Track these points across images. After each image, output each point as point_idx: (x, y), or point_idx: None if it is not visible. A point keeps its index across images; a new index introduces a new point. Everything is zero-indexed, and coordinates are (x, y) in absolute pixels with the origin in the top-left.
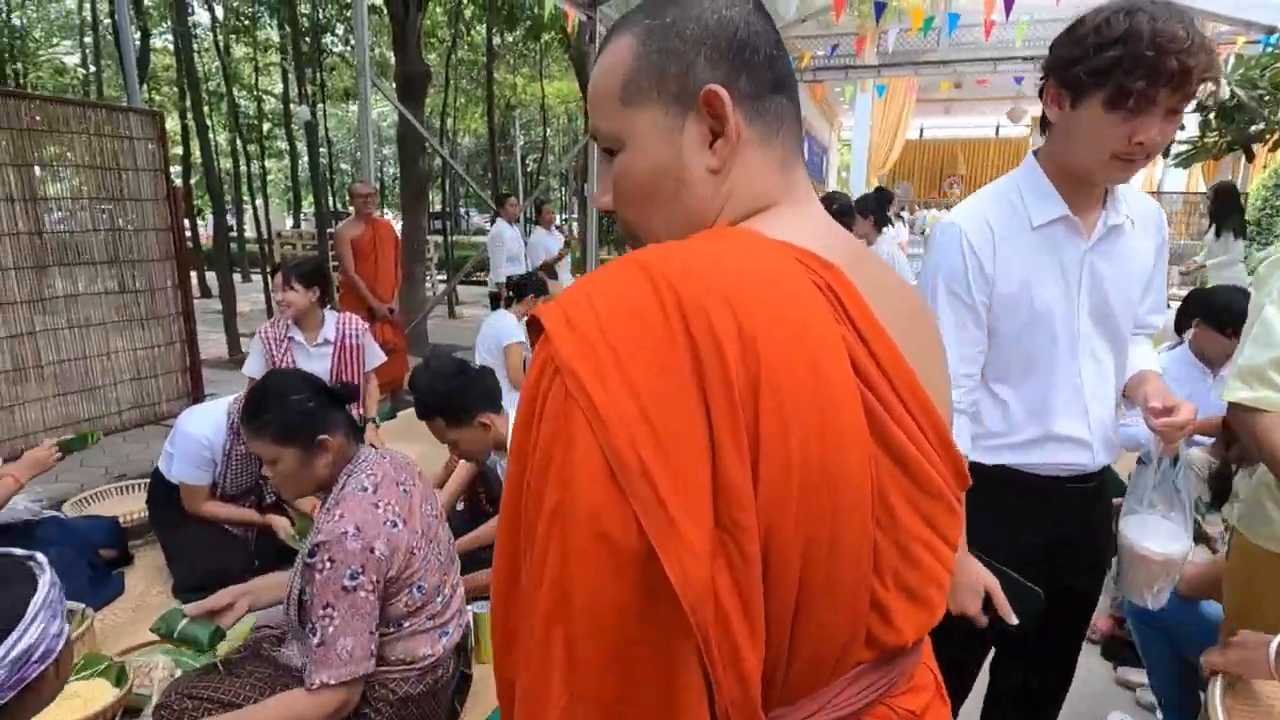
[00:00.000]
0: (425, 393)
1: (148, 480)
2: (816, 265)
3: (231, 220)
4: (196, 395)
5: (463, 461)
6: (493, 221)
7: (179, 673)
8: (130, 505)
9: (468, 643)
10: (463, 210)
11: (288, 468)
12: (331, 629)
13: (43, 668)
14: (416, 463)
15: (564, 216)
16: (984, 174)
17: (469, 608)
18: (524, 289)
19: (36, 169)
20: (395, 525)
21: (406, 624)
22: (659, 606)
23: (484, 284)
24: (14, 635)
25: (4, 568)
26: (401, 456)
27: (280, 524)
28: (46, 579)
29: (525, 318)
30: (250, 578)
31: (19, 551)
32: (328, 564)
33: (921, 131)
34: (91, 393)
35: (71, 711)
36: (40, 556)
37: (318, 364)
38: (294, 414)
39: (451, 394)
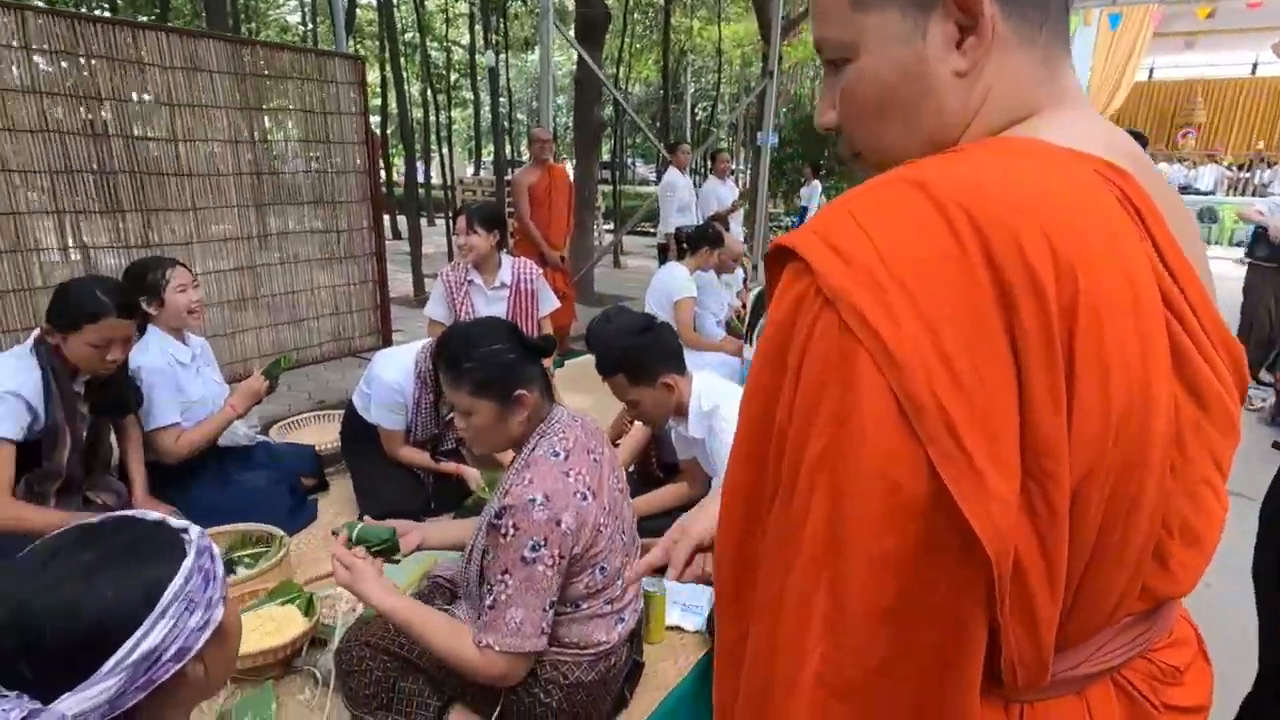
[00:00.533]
0: (608, 348)
1: (342, 411)
2: (1113, 174)
3: (419, 167)
4: (385, 332)
5: (638, 423)
6: (660, 172)
7: (360, 609)
8: (326, 434)
9: (640, 628)
10: (628, 161)
11: (482, 421)
12: (504, 596)
13: (178, 666)
14: (602, 428)
15: (731, 169)
16: (1229, 122)
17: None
18: (699, 241)
19: (252, 111)
20: (585, 498)
21: (584, 606)
22: (943, 559)
23: (650, 234)
24: (136, 636)
25: (148, 542)
26: (592, 421)
27: (472, 475)
28: (190, 562)
29: (699, 271)
30: (424, 519)
31: (175, 522)
32: (511, 530)
33: (1151, 72)
34: (297, 324)
35: (266, 635)
36: (194, 530)
37: (495, 308)
38: (494, 365)
39: (635, 351)
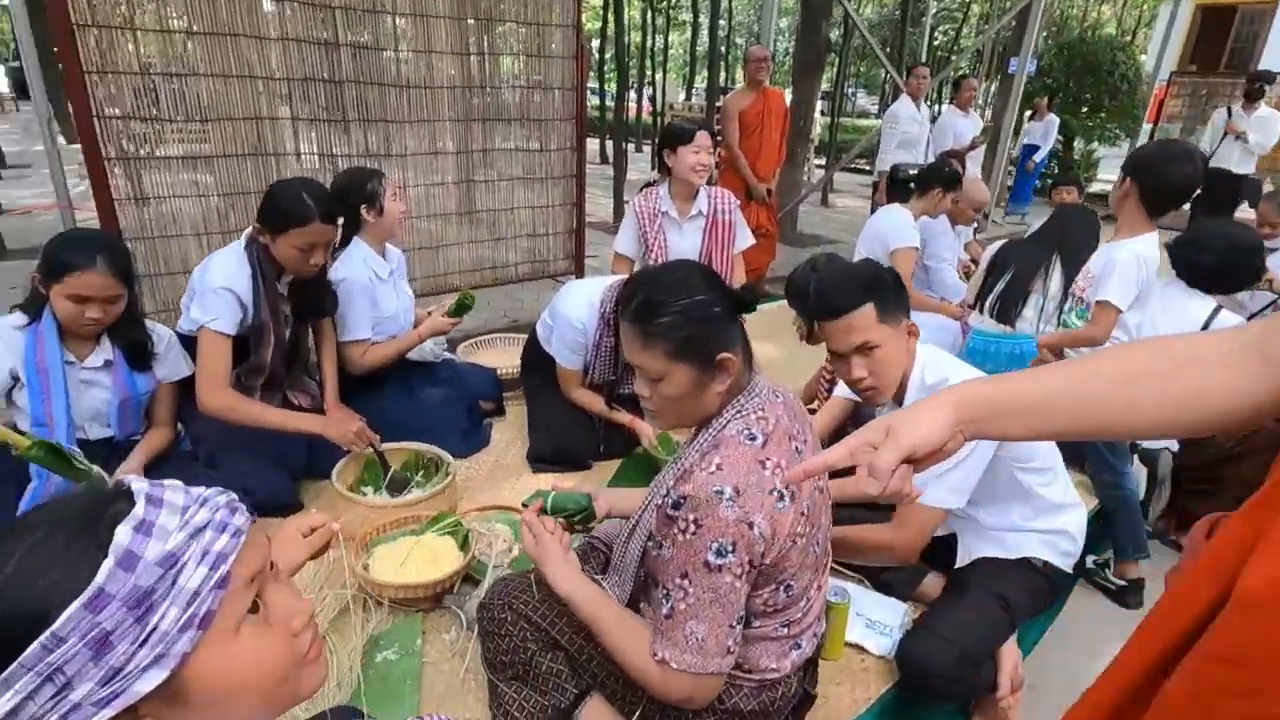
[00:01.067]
0: (854, 273)
1: (526, 337)
2: None
3: (632, 93)
4: (579, 257)
5: (838, 394)
6: (886, 101)
7: (515, 549)
8: (509, 358)
9: (817, 654)
10: (849, 91)
11: (674, 389)
12: (683, 605)
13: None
14: (803, 406)
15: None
16: None
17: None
18: (930, 180)
19: (470, 21)
20: (782, 499)
21: (756, 624)
22: None
23: (865, 172)
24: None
25: (62, 523)
26: (793, 398)
27: (645, 431)
28: (105, 578)
29: (926, 218)
30: (591, 465)
31: (116, 485)
32: (692, 526)
33: None
34: (496, 243)
35: (422, 565)
36: (140, 499)
37: (689, 241)
38: (696, 321)
39: (892, 279)
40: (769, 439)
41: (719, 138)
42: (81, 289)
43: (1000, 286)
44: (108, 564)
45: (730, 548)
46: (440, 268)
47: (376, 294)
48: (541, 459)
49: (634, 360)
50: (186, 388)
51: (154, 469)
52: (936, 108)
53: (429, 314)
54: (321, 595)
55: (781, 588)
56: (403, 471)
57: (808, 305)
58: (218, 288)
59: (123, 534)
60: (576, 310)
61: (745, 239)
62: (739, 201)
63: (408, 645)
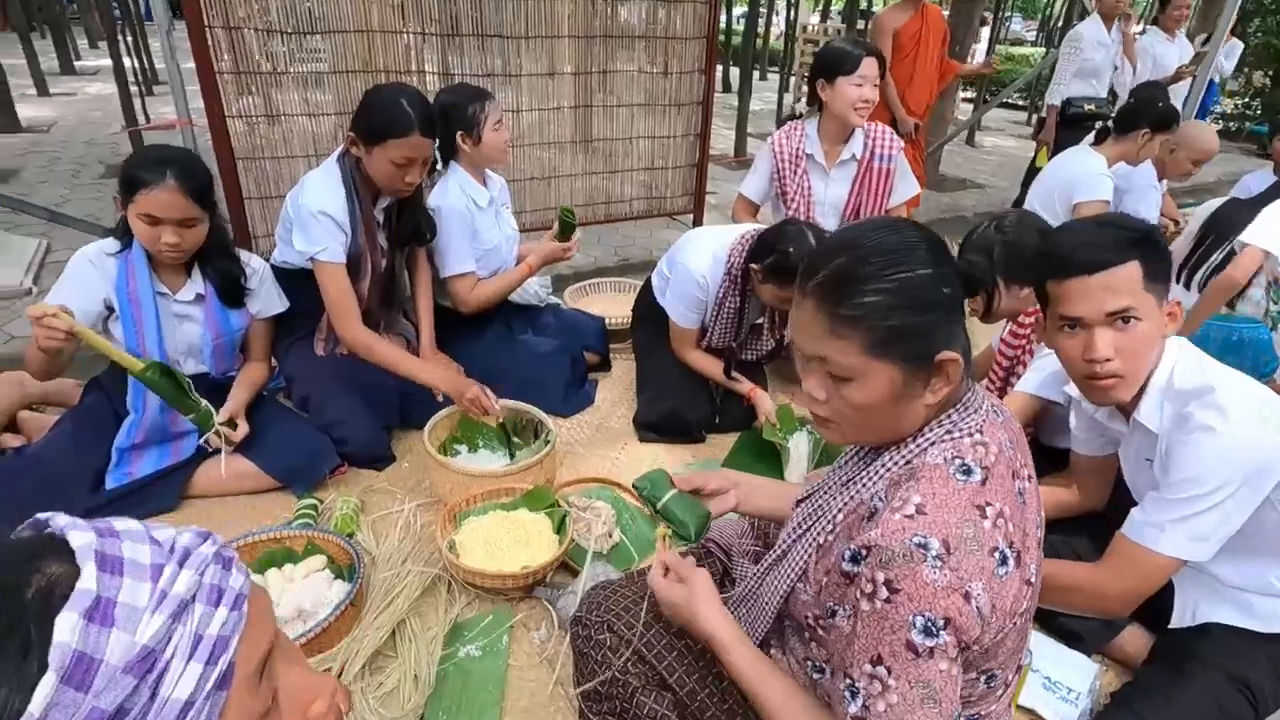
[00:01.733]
0: (1125, 221)
1: (642, 281)
2: None
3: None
4: (699, 193)
5: (1022, 389)
6: (1049, 27)
7: (617, 535)
8: (620, 307)
9: None
10: (1004, 16)
11: (867, 396)
12: (883, 706)
13: None
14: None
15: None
16: None
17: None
18: (1134, 118)
19: None
20: (1005, 561)
21: None
22: None
23: (1018, 108)
24: None
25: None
26: (1011, 416)
27: (765, 405)
28: (63, 669)
29: (1125, 165)
30: (705, 437)
31: (60, 538)
32: (884, 591)
33: None
34: (611, 176)
35: (514, 545)
36: (86, 561)
37: (834, 190)
38: (915, 306)
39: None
40: (989, 474)
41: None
42: (153, 208)
43: (1217, 257)
44: (47, 683)
45: (942, 624)
46: (551, 200)
47: (476, 223)
48: (649, 426)
49: (811, 349)
50: (280, 322)
51: (248, 412)
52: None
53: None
54: (405, 571)
55: (983, 677)
56: (506, 436)
57: (1016, 267)
58: (316, 212)
59: (66, 628)
60: (698, 262)
61: (907, 189)
62: (903, 145)
63: (493, 642)
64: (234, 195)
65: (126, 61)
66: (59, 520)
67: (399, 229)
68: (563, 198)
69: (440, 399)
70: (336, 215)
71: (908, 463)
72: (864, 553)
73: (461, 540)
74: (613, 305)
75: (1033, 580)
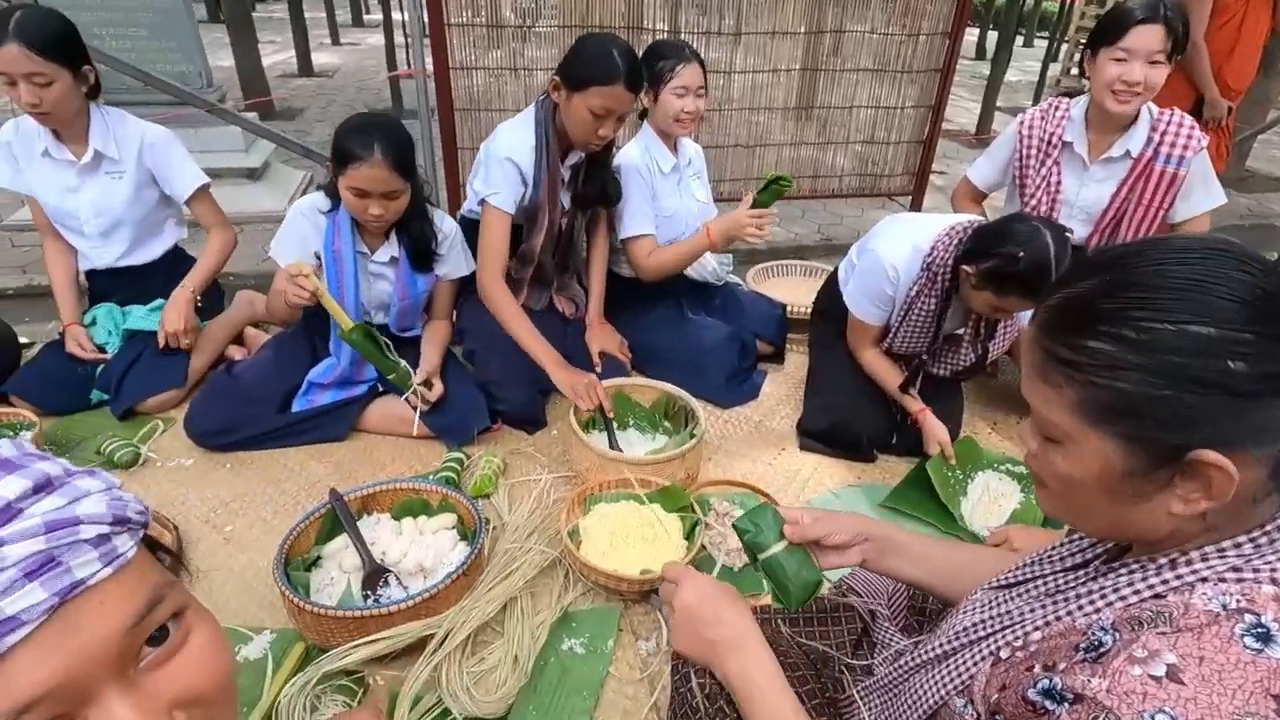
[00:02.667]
0: None
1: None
2: None
3: None
4: (923, 172)
5: None
6: None
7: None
8: (804, 294)
9: None
10: None
11: (1073, 470)
12: None
13: None
14: None
15: None
16: None
17: None
18: None
19: None
20: None
21: None
22: None
23: None
24: None
25: None
26: None
27: (936, 434)
28: None
29: None
30: (876, 456)
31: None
32: None
33: None
34: (825, 147)
35: (634, 540)
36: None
37: (1093, 190)
38: (1171, 376)
39: None
40: (1264, 617)
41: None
42: (360, 182)
43: None
44: None
45: None
46: (755, 169)
47: (656, 186)
48: (813, 434)
49: (1024, 388)
50: (466, 282)
51: (407, 354)
52: None
53: None
54: (527, 547)
55: None
56: (651, 412)
57: None
58: (502, 158)
59: None
60: (893, 251)
61: (1203, 201)
62: (1201, 136)
63: (598, 642)
64: (450, 146)
65: (396, 15)
66: None
67: (584, 190)
68: (768, 167)
69: (599, 370)
70: (522, 164)
71: (1157, 595)
72: (1071, 698)
73: (587, 526)
74: (799, 291)
75: None
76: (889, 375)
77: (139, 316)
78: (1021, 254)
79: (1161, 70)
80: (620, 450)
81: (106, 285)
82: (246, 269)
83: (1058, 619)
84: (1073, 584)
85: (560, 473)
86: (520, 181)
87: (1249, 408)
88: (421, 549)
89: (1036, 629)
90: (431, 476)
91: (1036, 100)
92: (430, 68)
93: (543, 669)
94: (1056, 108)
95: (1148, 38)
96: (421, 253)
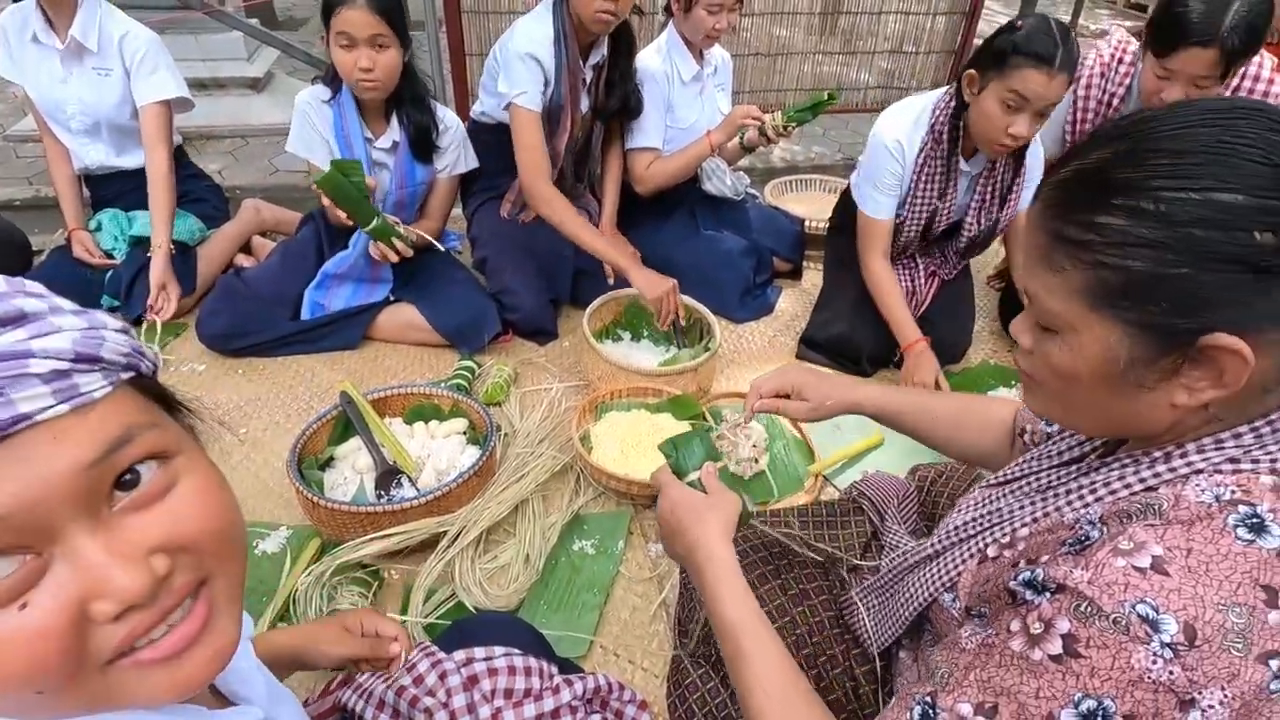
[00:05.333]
0: None
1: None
2: None
3: None
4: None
5: None
6: None
7: (764, 461)
8: (823, 209)
9: None
10: None
11: (1072, 363)
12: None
13: None
14: None
15: None
16: None
17: None
18: None
19: None
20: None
21: None
22: None
23: None
24: None
25: None
26: None
27: (922, 375)
28: None
29: None
30: (873, 373)
31: None
32: (1055, 646)
33: None
34: (849, 58)
35: (646, 448)
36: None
37: None
38: (1181, 248)
39: None
40: None
41: None
42: (345, 25)
43: None
44: None
45: (1120, 715)
46: (774, 81)
47: (673, 97)
48: (813, 344)
49: (1023, 278)
50: (473, 180)
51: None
52: None
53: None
54: (539, 452)
55: None
56: (676, 331)
57: None
58: (523, 54)
59: None
60: (895, 127)
61: None
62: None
63: (609, 543)
64: (458, 50)
65: None
66: None
67: (606, 100)
68: (788, 80)
69: (612, 281)
70: (543, 59)
71: (1149, 488)
72: (1053, 587)
73: (598, 433)
74: (818, 207)
75: None
76: (892, 293)
77: (145, 222)
78: (1020, 23)
79: (1211, 90)
80: (689, 353)
81: (106, 190)
82: (253, 181)
83: (1045, 515)
84: (1064, 479)
85: (571, 382)
86: (542, 77)
87: (1274, 284)
88: (434, 452)
89: (1024, 525)
90: (443, 383)
91: (1076, 17)
92: None
93: (554, 567)
94: (1119, 60)
95: (1196, 64)
96: (421, 140)
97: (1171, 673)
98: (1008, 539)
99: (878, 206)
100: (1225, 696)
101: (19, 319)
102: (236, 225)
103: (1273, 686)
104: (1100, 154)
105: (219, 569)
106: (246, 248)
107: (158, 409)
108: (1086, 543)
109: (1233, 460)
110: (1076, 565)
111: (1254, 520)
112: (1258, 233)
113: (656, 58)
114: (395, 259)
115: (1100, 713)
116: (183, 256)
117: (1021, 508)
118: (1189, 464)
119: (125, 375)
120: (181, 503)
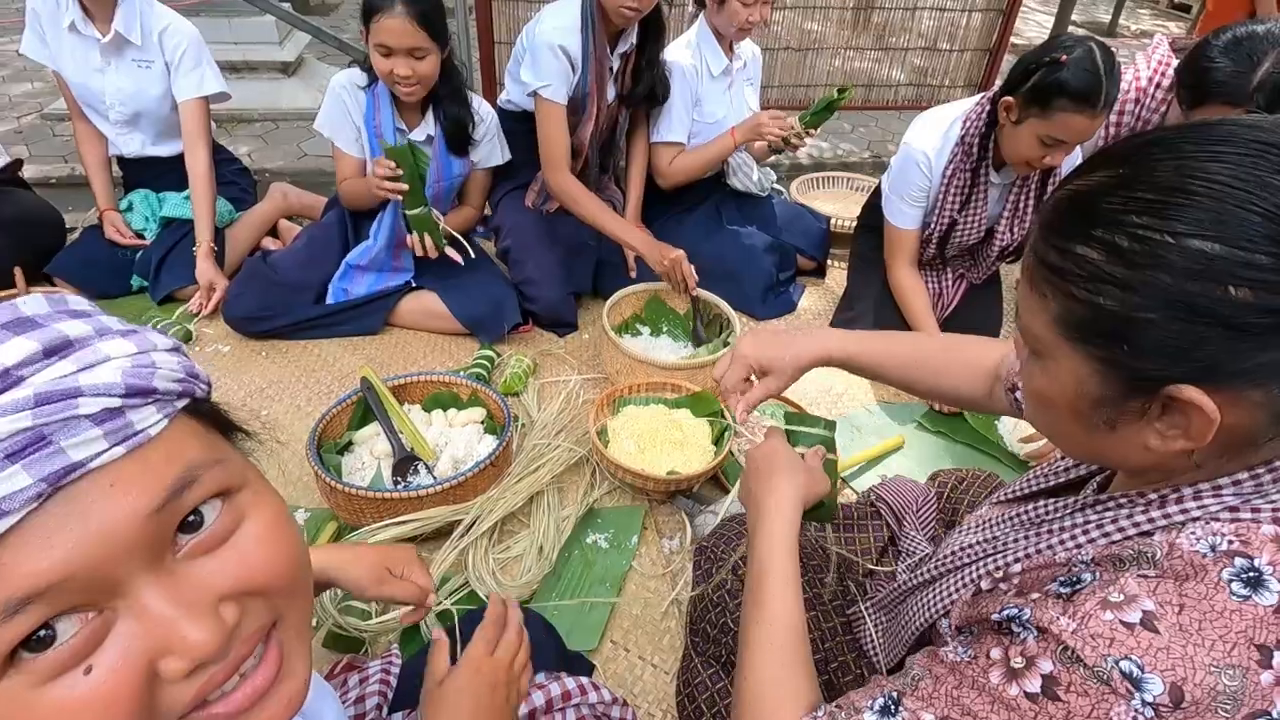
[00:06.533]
0: None
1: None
2: None
3: None
4: (986, 84)
5: None
6: None
7: None
8: (850, 208)
9: None
10: None
11: (1046, 385)
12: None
13: None
14: None
15: None
16: None
17: None
18: None
19: None
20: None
21: None
22: None
23: None
24: None
25: None
26: None
27: None
28: None
29: None
30: None
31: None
32: (1033, 684)
33: None
34: (881, 55)
35: (663, 443)
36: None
37: None
38: (1147, 292)
39: None
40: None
41: None
42: (384, 36)
43: None
44: None
45: None
46: (803, 76)
47: (701, 91)
48: None
49: (1019, 293)
50: (499, 169)
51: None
52: None
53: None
54: (555, 444)
55: None
56: (696, 317)
57: None
58: (549, 43)
59: None
60: (924, 139)
61: None
62: None
63: (623, 537)
64: (486, 38)
65: None
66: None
67: (633, 87)
68: (817, 75)
69: (633, 275)
70: (571, 49)
71: (1144, 533)
72: (1035, 631)
73: (615, 427)
74: (844, 205)
75: None
76: (916, 302)
77: (175, 204)
78: (1064, 57)
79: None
80: (706, 341)
81: (139, 173)
82: (282, 165)
83: (1038, 551)
84: (1058, 514)
85: (590, 375)
86: (570, 68)
87: (1247, 345)
88: (451, 440)
89: (1018, 560)
90: (463, 372)
91: (1116, 17)
92: None
93: (567, 560)
94: (1158, 85)
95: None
96: (458, 135)
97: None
98: (1001, 572)
99: (904, 218)
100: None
101: (64, 347)
102: (264, 209)
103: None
104: (1100, 176)
105: (288, 607)
106: (273, 231)
107: (217, 437)
108: (1078, 585)
109: (1231, 509)
110: (1064, 612)
111: (1251, 574)
112: (1233, 288)
113: (686, 52)
114: (434, 255)
115: None
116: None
117: (1016, 540)
118: (1184, 511)
119: (180, 404)
120: (250, 543)
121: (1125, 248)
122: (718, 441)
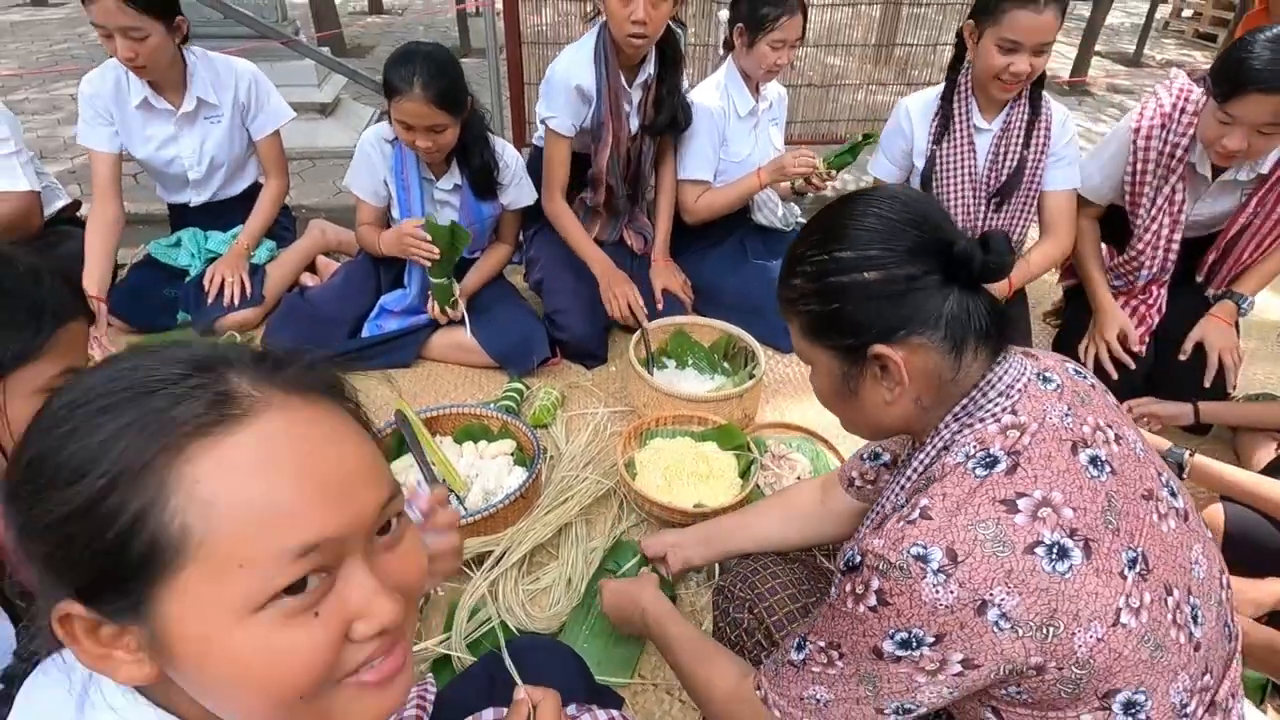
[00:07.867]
0: None
1: None
2: None
3: None
4: None
5: None
6: None
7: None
8: None
9: None
10: None
11: (821, 384)
12: (817, 670)
13: None
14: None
15: None
16: None
17: None
18: None
19: None
20: (1063, 554)
21: None
22: None
23: None
24: None
25: None
26: (1089, 374)
27: None
28: None
29: None
30: None
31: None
32: (872, 599)
33: None
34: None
35: (689, 476)
36: None
37: (1215, 205)
38: (833, 292)
39: None
40: (1021, 459)
41: None
42: (404, 116)
43: None
44: None
45: (929, 639)
46: (827, 112)
47: (728, 131)
48: None
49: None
50: (536, 213)
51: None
52: None
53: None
54: (583, 476)
55: (1116, 701)
56: (711, 351)
57: None
58: (561, 79)
59: None
60: (912, 100)
61: None
62: None
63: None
64: (516, 79)
65: None
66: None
67: (655, 115)
68: (840, 110)
69: (660, 308)
70: (584, 83)
71: (925, 469)
72: (859, 560)
73: (642, 460)
74: None
75: (1144, 568)
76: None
77: (220, 240)
78: None
79: (1275, 138)
80: (654, 374)
81: (200, 217)
82: (319, 202)
83: (878, 511)
84: (888, 482)
85: (617, 408)
86: (582, 103)
87: (892, 305)
88: (482, 472)
89: (864, 527)
90: (492, 404)
91: (1141, 47)
92: (499, 2)
93: (596, 592)
94: (1181, 110)
95: (1259, 110)
96: (483, 182)
97: (951, 591)
98: (854, 543)
99: (882, 170)
100: (1012, 591)
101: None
102: (303, 245)
103: (1047, 569)
104: (804, 234)
105: (410, 614)
106: (311, 266)
107: None
108: (885, 520)
109: (966, 425)
110: (875, 536)
111: (987, 458)
112: (866, 273)
113: (714, 93)
114: (443, 320)
115: (914, 640)
116: (254, 273)
117: (870, 513)
118: (943, 440)
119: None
120: (409, 551)
121: (811, 271)
122: (744, 475)
